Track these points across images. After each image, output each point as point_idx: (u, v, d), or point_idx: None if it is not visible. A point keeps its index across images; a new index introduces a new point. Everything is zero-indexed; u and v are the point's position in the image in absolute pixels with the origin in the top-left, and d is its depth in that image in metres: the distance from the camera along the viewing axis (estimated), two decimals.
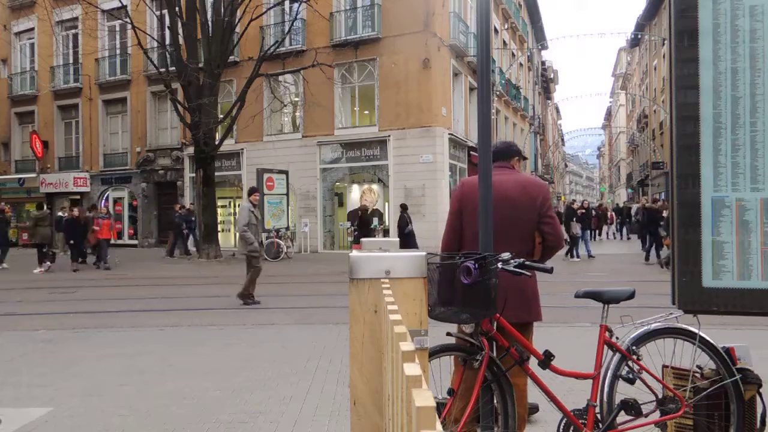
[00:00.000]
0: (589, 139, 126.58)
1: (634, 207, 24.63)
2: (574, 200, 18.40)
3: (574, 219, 16.10)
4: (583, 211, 16.98)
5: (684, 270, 2.63)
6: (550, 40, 49.65)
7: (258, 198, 9.09)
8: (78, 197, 25.81)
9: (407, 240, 13.87)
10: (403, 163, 19.20)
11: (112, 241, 17.67)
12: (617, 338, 2.75)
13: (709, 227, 2.58)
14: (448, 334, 2.78)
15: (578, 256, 16.39)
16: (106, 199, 25.96)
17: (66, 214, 21.91)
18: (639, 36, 40.56)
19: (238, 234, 8.64)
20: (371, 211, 20.48)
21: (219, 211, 20.22)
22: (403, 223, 14.21)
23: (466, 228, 3.01)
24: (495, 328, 2.57)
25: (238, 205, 19.91)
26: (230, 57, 18.97)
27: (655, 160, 36.03)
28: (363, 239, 2.41)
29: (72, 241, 15.61)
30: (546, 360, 2.58)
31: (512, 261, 2.49)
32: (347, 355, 1.73)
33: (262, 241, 8.87)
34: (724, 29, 2.54)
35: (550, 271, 2.57)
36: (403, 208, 14.91)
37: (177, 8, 17.33)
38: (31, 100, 27.41)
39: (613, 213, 31.40)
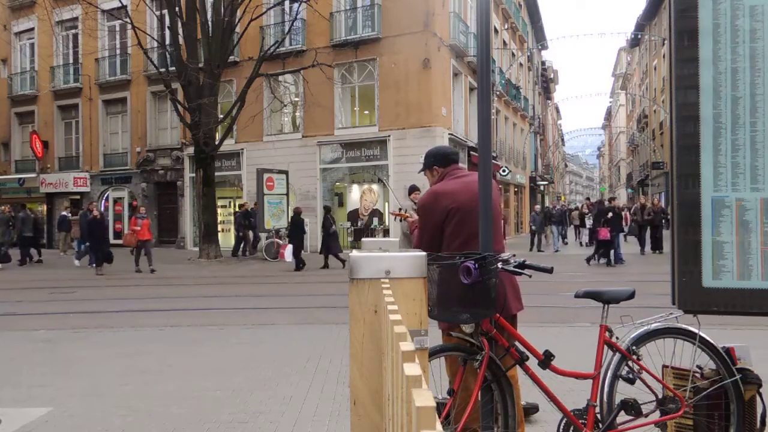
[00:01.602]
0: (589, 139, 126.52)
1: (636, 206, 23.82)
2: (603, 200, 18.06)
3: (603, 221, 15.10)
4: (616, 211, 15.51)
5: (684, 270, 2.63)
6: (550, 40, 49.69)
7: (418, 196, 9.04)
8: (78, 197, 25.81)
9: (330, 239, 15.23)
10: (403, 163, 19.19)
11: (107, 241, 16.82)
12: (617, 338, 2.75)
13: (709, 227, 2.58)
14: (449, 334, 2.78)
15: (617, 259, 15.31)
16: (106, 199, 25.97)
17: (68, 214, 22.00)
18: (639, 36, 40.57)
19: (401, 232, 8.53)
20: (371, 210, 20.49)
21: (219, 211, 20.22)
22: (327, 223, 15.30)
23: (453, 238, 2.97)
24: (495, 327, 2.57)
25: (239, 206, 20.06)
26: (230, 57, 18.97)
27: (655, 160, 36.03)
28: (365, 239, 2.41)
29: (91, 243, 14.57)
30: (546, 360, 2.58)
31: (512, 261, 2.49)
32: (347, 355, 1.73)
33: None
34: (724, 29, 2.54)
35: (550, 271, 2.57)
36: (327, 210, 16.02)
37: (177, 8, 17.33)
38: (31, 100, 27.40)
39: (628, 213, 30.14)
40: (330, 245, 15.09)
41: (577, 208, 28.77)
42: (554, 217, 20.41)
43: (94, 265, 14.93)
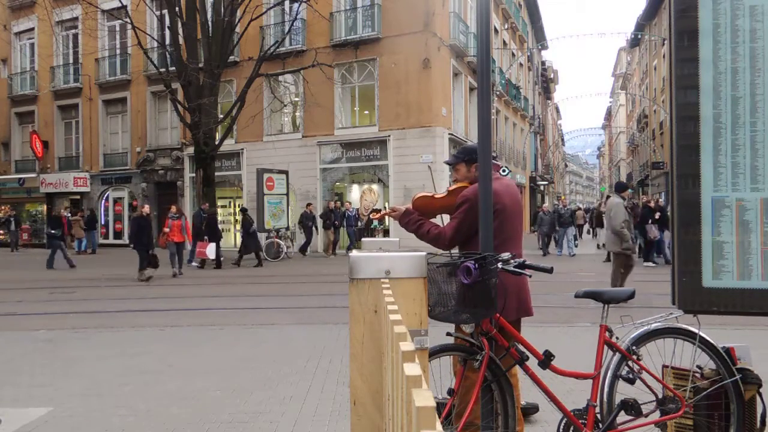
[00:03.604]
0: (589, 139, 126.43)
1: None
2: (650, 200, 17.06)
3: (650, 221, 14.81)
4: (660, 213, 14.89)
5: (684, 270, 2.63)
6: (550, 40, 49.69)
7: (629, 194, 8.87)
8: (78, 197, 25.81)
9: (251, 238, 15.79)
10: (403, 163, 19.20)
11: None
12: (617, 338, 2.75)
13: (709, 227, 2.58)
14: (448, 334, 2.78)
15: (655, 262, 15.07)
16: (106, 199, 25.97)
17: (68, 214, 21.99)
18: (639, 36, 40.56)
19: (611, 230, 8.32)
20: (371, 210, 20.47)
21: (219, 211, 20.21)
22: (247, 224, 15.93)
23: (495, 232, 2.97)
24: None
25: (239, 206, 20.08)
26: (230, 57, 18.96)
27: (655, 160, 36.00)
28: (365, 239, 2.40)
29: (138, 245, 12.85)
30: (546, 360, 2.58)
31: (512, 261, 2.49)
32: (347, 355, 1.73)
33: (633, 237, 8.48)
34: (724, 29, 2.54)
35: (550, 271, 2.57)
36: (243, 211, 16.64)
37: (177, 8, 17.32)
38: (31, 100, 27.40)
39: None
40: (249, 243, 15.71)
41: (579, 209, 28.28)
42: (564, 218, 18.42)
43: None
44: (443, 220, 3.20)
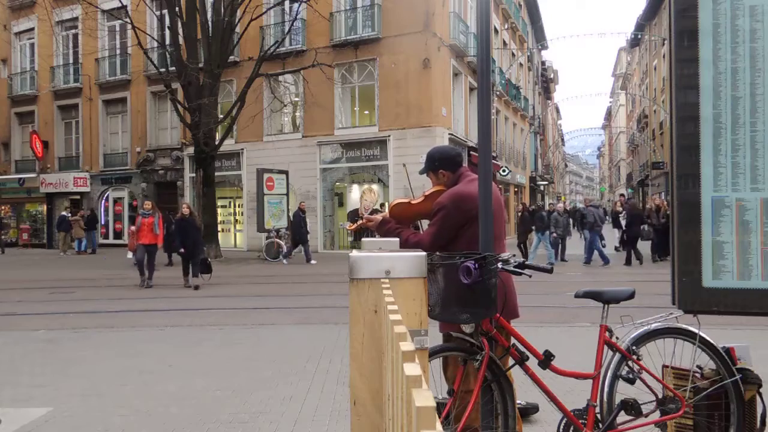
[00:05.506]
0: (589, 139, 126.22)
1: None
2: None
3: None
4: None
5: (684, 270, 2.63)
6: (550, 40, 49.75)
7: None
8: (78, 197, 25.82)
9: (173, 238, 15.59)
10: (403, 163, 19.19)
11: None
12: (617, 338, 2.75)
13: (709, 227, 2.58)
14: (449, 334, 2.78)
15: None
16: (106, 199, 25.97)
17: (68, 214, 22.01)
18: (639, 36, 40.56)
19: None
20: (371, 211, 20.46)
21: (219, 211, 20.21)
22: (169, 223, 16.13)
23: (474, 241, 2.89)
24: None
25: (239, 206, 20.09)
26: (230, 57, 18.98)
27: (655, 160, 36.01)
28: (365, 239, 2.39)
29: (183, 249, 11.37)
30: (546, 360, 2.58)
31: (512, 261, 2.49)
32: (347, 355, 1.73)
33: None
34: (724, 29, 2.54)
35: (550, 271, 2.57)
36: (168, 211, 16.88)
37: (177, 8, 17.34)
38: (31, 100, 27.41)
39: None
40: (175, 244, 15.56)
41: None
42: (586, 218, 15.19)
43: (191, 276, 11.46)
44: (422, 225, 3.11)
